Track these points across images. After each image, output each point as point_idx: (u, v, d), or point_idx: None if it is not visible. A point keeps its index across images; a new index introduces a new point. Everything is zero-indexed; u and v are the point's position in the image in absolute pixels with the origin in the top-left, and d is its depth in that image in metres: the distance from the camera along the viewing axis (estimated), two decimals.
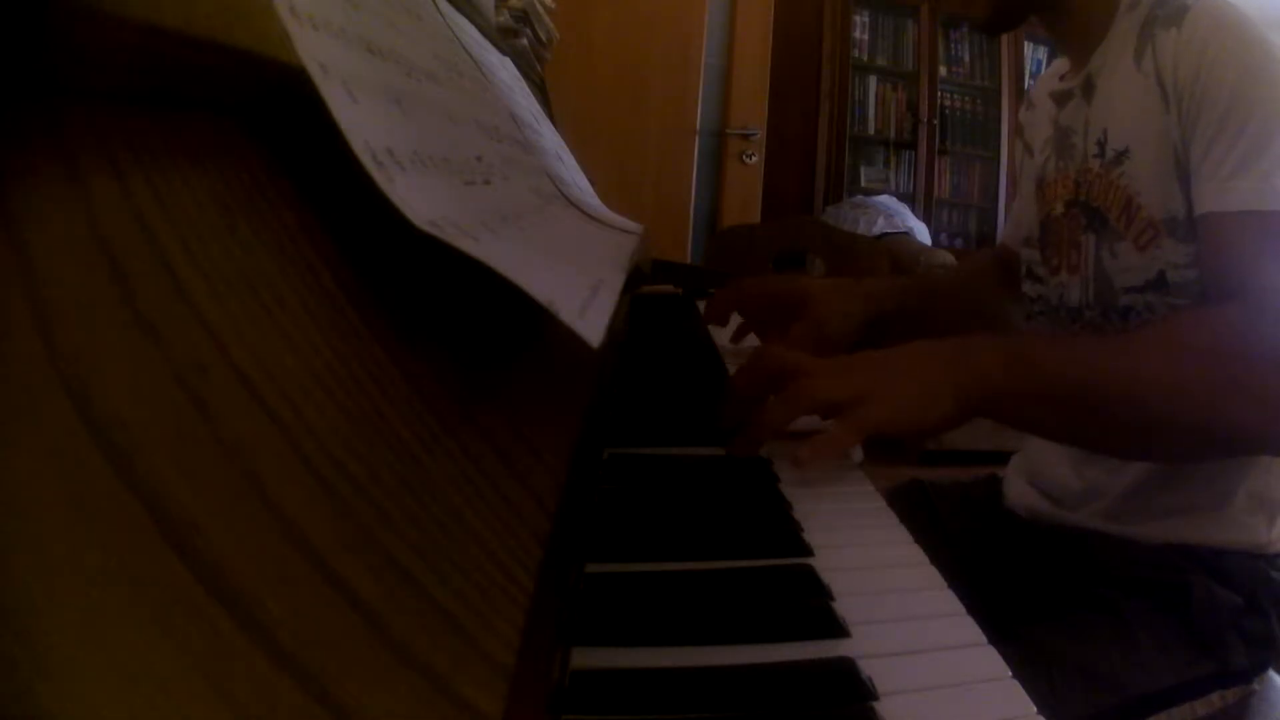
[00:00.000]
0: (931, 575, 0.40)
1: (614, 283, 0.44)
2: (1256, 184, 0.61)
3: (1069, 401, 0.58)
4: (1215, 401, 0.56)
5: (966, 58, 3.65)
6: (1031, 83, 3.57)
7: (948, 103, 3.62)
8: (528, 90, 0.93)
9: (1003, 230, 1.01)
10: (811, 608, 0.35)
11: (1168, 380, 0.57)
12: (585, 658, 0.31)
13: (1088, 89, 0.76)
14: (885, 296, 0.89)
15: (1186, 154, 0.65)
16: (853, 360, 0.57)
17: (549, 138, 0.88)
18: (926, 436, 0.70)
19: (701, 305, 1.12)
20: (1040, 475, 0.83)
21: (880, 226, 3.09)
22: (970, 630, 0.35)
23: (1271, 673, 0.68)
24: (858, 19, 3.50)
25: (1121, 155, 0.70)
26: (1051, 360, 0.58)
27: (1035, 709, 0.30)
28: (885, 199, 3.30)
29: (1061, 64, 0.86)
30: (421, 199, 0.26)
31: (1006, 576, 0.79)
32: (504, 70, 0.79)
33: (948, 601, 0.37)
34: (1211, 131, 0.63)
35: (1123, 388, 0.57)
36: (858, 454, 0.56)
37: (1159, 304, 0.70)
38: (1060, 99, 0.81)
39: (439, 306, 0.33)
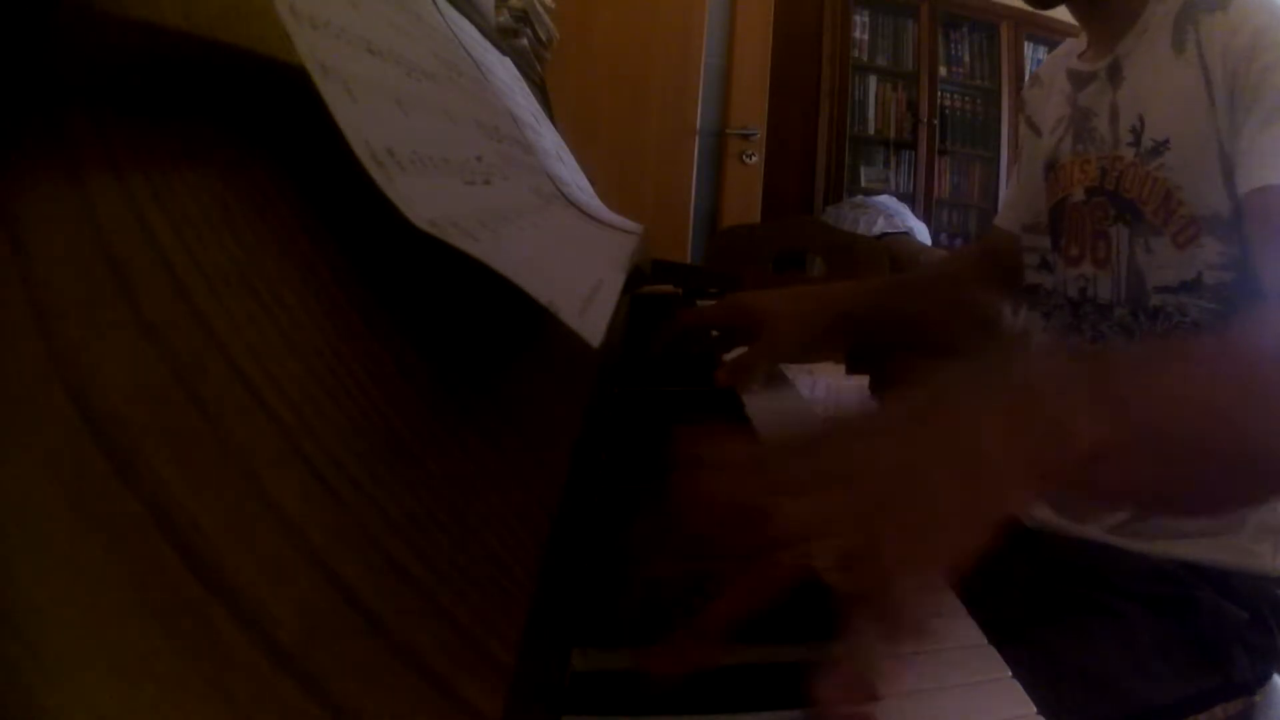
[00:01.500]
0: None
1: (614, 283, 0.44)
2: None
3: (1197, 443, 0.38)
4: None
5: (966, 58, 3.65)
6: (1039, 66, 3.56)
7: (948, 103, 3.62)
8: (528, 90, 0.93)
9: (1001, 215, 0.95)
10: (812, 608, 0.35)
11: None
12: (585, 658, 0.31)
13: (1114, 73, 0.73)
14: (851, 298, 0.82)
15: (1233, 142, 0.63)
16: (841, 458, 0.33)
17: (549, 138, 0.88)
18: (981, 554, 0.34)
19: (702, 306, 1.12)
20: None
21: (880, 226, 3.09)
22: (970, 631, 0.35)
23: (1276, 679, 0.68)
24: (858, 19, 3.50)
25: (1161, 146, 0.68)
26: (1156, 391, 0.38)
27: (1035, 709, 0.30)
28: (885, 199, 3.30)
29: (1075, 43, 0.83)
30: (421, 199, 0.26)
31: (1009, 581, 0.78)
32: (504, 70, 0.79)
33: (949, 603, 0.37)
34: (1269, 110, 0.61)
35: (1249, 422, 0.39)
36: None
37: (1191, 306, 0.68)
38: (1079, 79, 0.78)
39: (439, 306, 0.33)
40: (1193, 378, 0.40)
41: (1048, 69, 0.88)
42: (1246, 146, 0.62)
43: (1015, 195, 0.92)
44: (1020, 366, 0.37)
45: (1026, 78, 3.55)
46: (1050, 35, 3.49)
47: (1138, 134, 0.70)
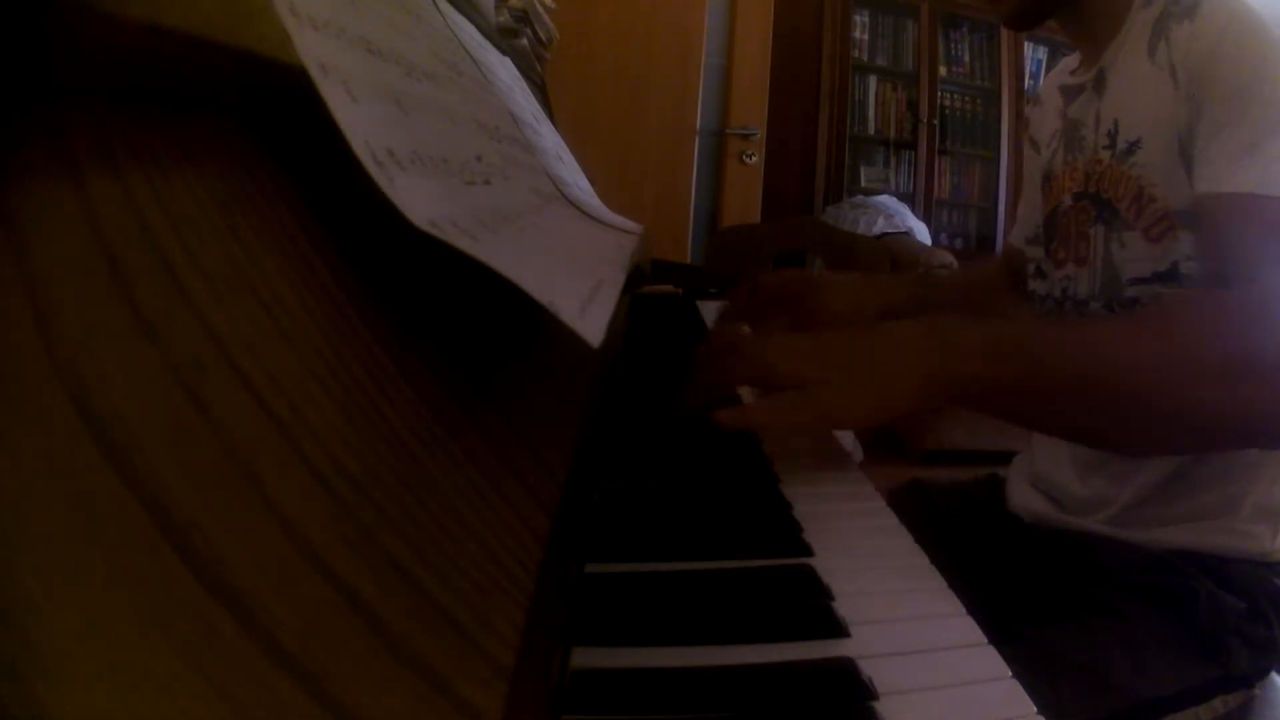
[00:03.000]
0: (931, 575, 0.40)
1: (614, 283, 0.44)
2: (1263, 168, 0.60)
3: (1063, 393, 0.54)
4: (1226, 388, 0.54)
5: (966, 58, 3.65)
6: (1031, 83, 3.57)
7: (948, 103, 3.62)
8: (528, 90, 0.93)
9: (1010, 233, 1.01)
10: (811, 608, 0.35)
11: (1175, 367, 0.54)
12: (585, 658, 0.31)
13: (1099, 83, 0.76)
14: (895, 288, 0.90)
15: (1191, 139, 0.65)
16: (811, 342, 0.54)
17: (549, 138, 0.88)
18: (884, 424, 0.57)
19: (702, 306, 1.12)
20: (1043, 479, 0.82)
21: (880, 226, 3.09)
22: (970, 630, 0.35)
23: (1274, 676, 0.68)
24: (858, 19, 3.50)
25: (1134, 146, 0.70)
26: (1043, 347, 0.54)
27: (1035, 709, 0.30)
28: (885, 199, 3.30)
29: (1070, 61, 0.86)
30: (421, 199, 0.26)
31: (1008, 578, 0.78)
32: (504, 70, 0.79)
33: (948, 601, 0.37)
34: (1219, 114, 0.63)
35: (1125, 376, 0.54)
36: (858, 454, 0.56)
37: (1167, 295, 0.69)
38: (1069, 93, 0.81)
39: (439, 306, 0.33)
40: (1092, 339, 0.56)
41: (1045, 88, 0.91)
42: (1200, 151, 0.64)
43: (1022, 211, 0.96)
44: (951, 318, 0.55)
45: (1026, 78, 3.56)
46: (1050, 36, 3.49)
47: (1113, 136, 0.73)
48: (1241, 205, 0.61)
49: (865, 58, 3.54)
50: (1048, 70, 3.35)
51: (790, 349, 0.52)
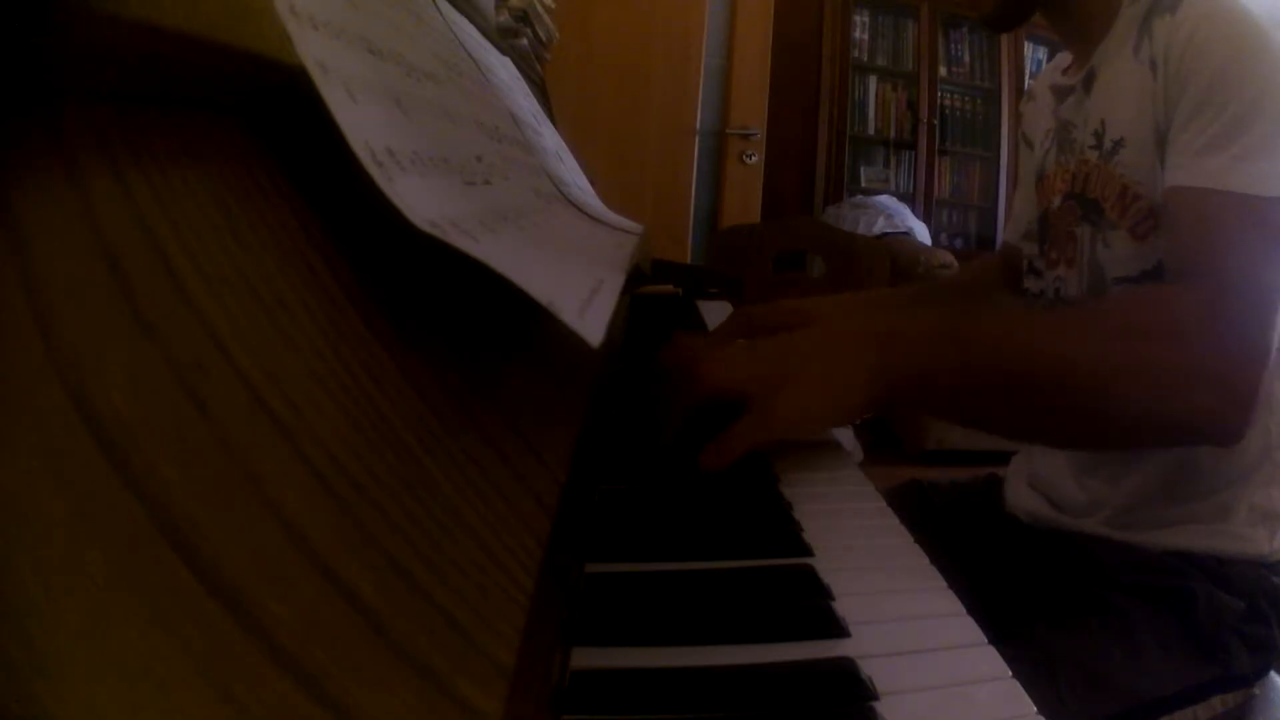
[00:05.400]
0: (931, 575, 0.40)
1: (614, 283, 0.44)
2: (1227, 164, 0.59)
3: (1009, 383, 0.54)
4: (1174, 386, 0.54)
5: (966, 58, 3.65)
6: (1032, 82, 3.57)
7: (948, 103, 3.62)
8: (528, 90, 0.93)
9: (1006, 229, 1.00)
10: (811, 608, 0.35)
11: (1123, 362, 0.54)
12: (585, 658, 0.31)
13: (1088, 83, 0.76)
14: (890, 303, 0.89)
15: (1166, 131, 0.65)
16: (757, 345, 0.54)
17: (549, 138, 0.88)
18: (842, 424, 0.63)
19: (702, 306, 1.12)
20: (1041, 480, 0.82)
21: (880, 226, 3.09)
22: (970, 630, 0.35)
23: (1273, 675, 0.68)
24: (858, 19, 3.50)
25: (1118, 145, 0.70)
26: (988, 337, 0.54)
27: (1035, 709, 0.30)
28: (885, 199, 3.30)
29: (1064, 58, 0.86)
30: (421, 199, 0.26)
31: (1007, 578, 0.78)
32: (504, 70, 0.79)
33: (948, 601, 0.37)
34: (1191, 108, 0.62)
35: (1071, 368, 0.54)
36: (858, 454, 0.56)
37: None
38: (1061, 93, 0.81)
39: (439, 307, 0.33)
40: (1041, 330, 0.57)
41: (1038, 85, 0.91)
42: (1172, 139, 0.64)
43: (1017, 208, 0.96)
44: (898, 312, 0.57)
45: (1027, 78, 3.56)
46: (1050, 36, 3.49)
47: (1100, 137, 0.73)
48: (1201, 200, 0.60)
49: (865, 58, 3.54)
50: None
51: (735, 364, 0.51)
